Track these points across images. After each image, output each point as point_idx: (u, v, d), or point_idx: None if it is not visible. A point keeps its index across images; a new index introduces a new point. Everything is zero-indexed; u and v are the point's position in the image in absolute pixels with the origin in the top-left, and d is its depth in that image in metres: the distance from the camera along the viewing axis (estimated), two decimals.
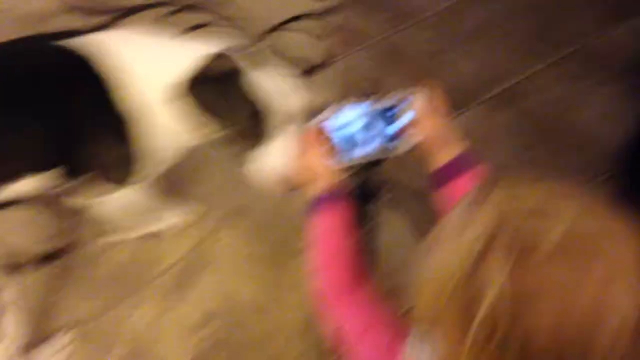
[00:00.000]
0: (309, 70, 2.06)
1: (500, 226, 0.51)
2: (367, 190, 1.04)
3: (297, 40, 2.17)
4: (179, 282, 1.54)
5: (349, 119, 0.91)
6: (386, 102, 0.91)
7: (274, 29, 2.20)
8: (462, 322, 0.51)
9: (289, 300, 1.50)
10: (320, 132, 0.90)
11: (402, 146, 0.93)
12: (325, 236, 0.82)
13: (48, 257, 1.56)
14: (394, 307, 0.76)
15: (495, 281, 0.49)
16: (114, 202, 1.29)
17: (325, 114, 0.91)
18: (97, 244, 1.59)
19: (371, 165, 1.00)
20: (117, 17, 2.16)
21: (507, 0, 2.36)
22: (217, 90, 1.02)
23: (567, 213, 0.52)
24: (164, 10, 2.21)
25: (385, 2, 2.35)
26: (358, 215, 0.86)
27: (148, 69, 1.10)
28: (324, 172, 0.88)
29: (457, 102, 2.01)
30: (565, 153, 1.89)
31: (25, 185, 1.15)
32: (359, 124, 0.91)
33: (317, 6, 2.29)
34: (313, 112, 0.97)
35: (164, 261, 1.58)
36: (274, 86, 1.02)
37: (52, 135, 1.09)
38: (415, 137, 0.91)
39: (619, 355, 0.48)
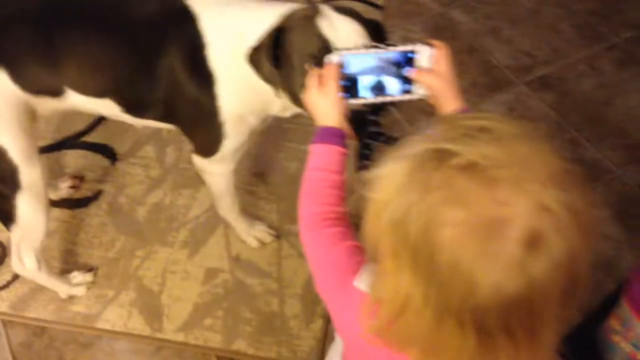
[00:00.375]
0: None
1: (420, 159, 0.59)
2: (369, 133, 1.08)
3: (357, 7, 2.23)
4: (191, 238, 1.66)
5: (367, 59, 0.93)
6: (401, 49, 0.93)
7: None
8: (390, 235, 0.60)
9: (287, 265, 1.60)
10: (339, 67, 0.93)
11: (417, 91, 0.94)
12: (313, 167, 0.88)
13: (91, 198, 1.75)
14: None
15: (411, 199, 0.58)
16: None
17: (344, 51, 0.93)
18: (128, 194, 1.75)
19: (378, 109, 1.03)
20: None
21: None
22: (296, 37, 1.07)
23: (471, 144, 0.57)
24: None
25: None
26: (354, 155, 0.90)
27: (235, 31, 1.17)
28: (336, 106, 0.91)
29: (509, 78, 2.03)
30: (605, 137, 1.87)
31: (105, 107, 1.29)
32: (377, 65, 0.93)
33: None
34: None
35: (188, 213, 1.71)
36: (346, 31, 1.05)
37: (144, 74, 1.21)
38: (428, 85, 0.93)
39: (518, 258, 0.55)
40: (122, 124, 1.85)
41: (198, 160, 1.39)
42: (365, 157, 1.21)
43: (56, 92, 1.25)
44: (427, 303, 0.58)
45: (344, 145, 0.90)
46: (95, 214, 1.71)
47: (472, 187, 0.55)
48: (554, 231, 0.54)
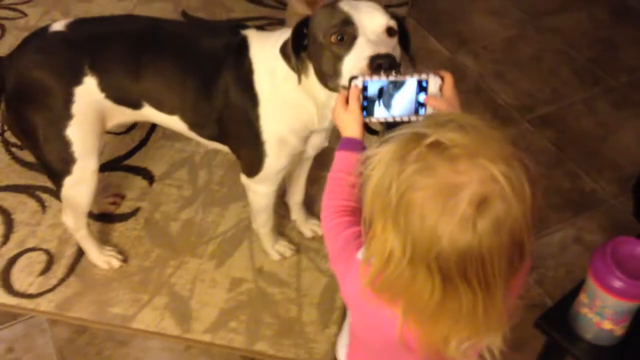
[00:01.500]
0: None
1: (403, 141, 0.78)
2: None
3: None
4: (219, 251, 1.82)
5: (385, 84, 1.07)
6: (415, 77, 1.07)
7: None
8: (379, 202, 0.78)
9: (305, 277, 1.76)
10: (362, 88, 1.08)
11: (426, 113, 1.08)
12: (335, 169, 1.05)
13: (130, 214, 1.93)
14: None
15: (394, 171, 0.76)
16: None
17: (367, 76, 1.08)
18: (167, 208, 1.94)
19: (393, 125, 1.20)
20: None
21: (571, 32, 2.55)
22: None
23: (441, 130, 0.76)
24: (263, 22, 2.59)
25: (457, 28, 2.59)
26: None
27: (272, 56, 1.33)
28: (356, 121, 1.08)
29: (513, 116, 2.21)
30: (601, 170, 2.03)
31: (174, 123, 1.51)
32: (393, 89, 1.07)
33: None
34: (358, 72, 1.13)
35: (217, 228, 1.87)
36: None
37: (205, 96, 1.42)
38: (436, 108, 1.07)
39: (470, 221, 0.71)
40: (159, 149, 2.06)
41: (244, 179, 1.58)
42: None
43: (135, 105, 1.48)
44: (404, 253, 0.76)
45: (359, 152, 1.06)
46: (133, 228, 1.89)
47: (438, 161, 0.74)
48: (498, 197, 0.72)
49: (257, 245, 1.84)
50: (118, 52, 1.42)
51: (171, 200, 1.97)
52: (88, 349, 1.62)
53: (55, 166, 1.52)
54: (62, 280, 1.75)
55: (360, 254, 0.92)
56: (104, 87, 1.43)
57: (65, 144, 1.47)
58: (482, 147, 0.74)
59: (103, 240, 1.83)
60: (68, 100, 1.42)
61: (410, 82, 1.07)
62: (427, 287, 0.76)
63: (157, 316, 1.67)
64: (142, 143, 2.14)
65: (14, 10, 2.70)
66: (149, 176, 2.04)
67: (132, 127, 2.17)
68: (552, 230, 1.86)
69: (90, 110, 1.45)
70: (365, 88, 1.08)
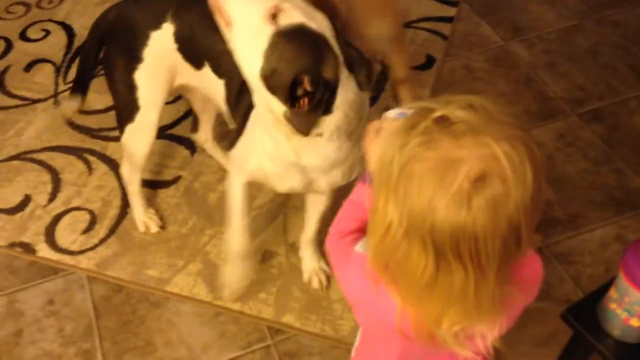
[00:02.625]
0: (427, 64, 2.31)
1: (412, 115, 0.78)
2: None
3: (424, 36, 2.42)
4: (254, 224, 1.77)
5: None
6: None
7: (405, 24, 2.47)
8: (383, 177, 0.78)
9: None
10: (390, 124, 1.04)
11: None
12: (352, 198, 1.05)
13: (171, 182, 1.98)
14: None
15: (399, 142, 0.76)
16: None
17: (395, 110, 1.03)
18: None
19: None
20: None
21: (633, 26, 2.44)
22: None
23: (449, 107, 0.75)
24: None
25: (512, 15, 2.52)
26: None
27: None
28: None
29: (562, 108, 2.15)
30: None
31: (216, 87, 1.49)
32: None
33: (449, 12, 2.53)
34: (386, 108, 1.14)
35: (253, 202, 1.85)
36: None
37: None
38: None
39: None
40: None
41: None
42: None
43: (199, 63, 1.50)
44: (401, 224, 0.76)
45: None
46: (173, 196, 1.94)
47: (442, 135, 0.73)
48: (497, 177, 0.71)
49: (291, 222, 1.86)
50: (200, 8, 1.40)
51: (211, 171, 2.00)
52: (123, 307, 1.68)
53: (120, 110, 1.62)
54: (102, 240, 1.81)
55: (358, 247, 0.93)
56: (179, 37, 1.48)
57: (131, 88, 1.54)
58: (488, 126, 0.74)
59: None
60: (143, 42, 1.49)
61: None
62: (421, 261, 0.76)
63: (191, 281, 1.72)
64: (187, 114, 2.18)
65: None
66: (191, 146, 2.08)
67: (178, 97, 2.21)
68: (593, 227, 1.81)
69: (160, 59, 1.51)
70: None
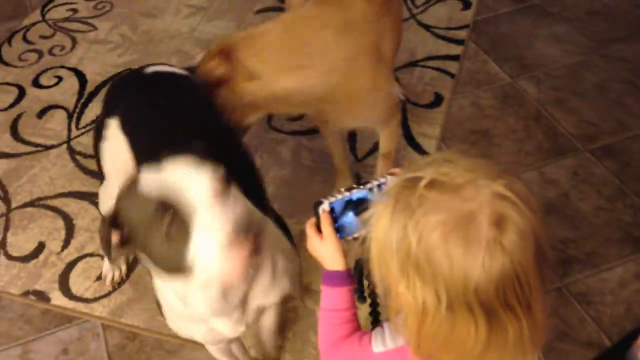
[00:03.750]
0: (436, 102, 2.32)
1: (398, 192, 0.77)
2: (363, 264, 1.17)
3: (431, 75, 2.45)
4: None
5: (348, 199, 1.02)
6: (375, 183, 1.02)
7: (412, 63, 2.49)
8: (395, 261, 0.76)
9: None
10: (330, 214, 1.01)
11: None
12: (327, 308, 1.01)
13: None
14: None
15: (401, 223, 0.74)
16: None
17: (330, 198, 1.02)
18: None
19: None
20: None
21: (636, 62, 2.46)
22: None
23: (430, 168, 0.76)
24: None
25: (518, 52, 2.55)
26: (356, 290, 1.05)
27: None
28: (337, 250, 1.00)
29: (574, 145, 2.15)
30: None
31: None
32: (356, 202, 1.02)
33: (456, 50, 2.55)
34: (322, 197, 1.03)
35: None
36: None
37: None
38: None
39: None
40: None
41: None
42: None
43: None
44: (440, 299, 0.73)
45: (350, 283, 1.02)
46: None
47: (442, 196, 0.74)
48: (512, 210, 0.72)
49: (306, 264, 1.84)
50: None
51: None
52: (138, 356, 1.66)
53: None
54: (116, 287, 1.80)
55: (376, 347, 0.91)
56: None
57: (99, 159, 1.50)
58: (476, 172, 0.75)
59: None
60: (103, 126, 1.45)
61: (371, 189, 1.03)
62: (471, 329, 0.74)
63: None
64: None
65: (85, 23, 2.83)
66: None
67: None
68: (611, 266, 1.79)
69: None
70: (332, 210, 1.02)
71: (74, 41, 2.71)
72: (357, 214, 1.03)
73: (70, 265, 1.86)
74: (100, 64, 2.58)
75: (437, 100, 2.34)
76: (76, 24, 2.82)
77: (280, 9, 2.78)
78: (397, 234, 0.75)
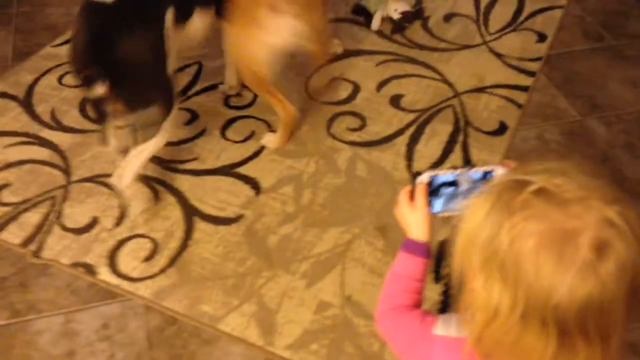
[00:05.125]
0: (500, 130, 2.28)
1: (501, 190, 0.75)
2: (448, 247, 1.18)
3: (498, 103, 2.41)
4: (311, 271, 1.82)
5: (453, 177, 1.06)
6: (482, 169, 1.04)
7: (480, 89, 2.46)
8: (479, 256, 0.74)
9: None
10: (428, 185, 1.05)
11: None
12: (398, 272, 1.02)
13: (233, 219, 1.99)
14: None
15: (496, 221, 0.73)
16: None
17: (433, 171, 1.06)
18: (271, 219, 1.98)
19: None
20: None
21: None
22: None
23: (543, 176, 0.73)
24: (389, 57, 2.62)
25: (591, 91, 2.49)
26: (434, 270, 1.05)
27: None
28: (425, 221, 1.03)
29: (637, 192, 2.07)
30: None
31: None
32: (459, 182, 1.05)
33: (526, 81, 2.51)
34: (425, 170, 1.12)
35: (313, 249, 1.89)
36: None
37: None
38: None
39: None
40: (270, 163, 2.10)
41: None
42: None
43: None
44: (515, 306, 0.72)
45: (428, 257, 1.05)
46: (234, 233, 1.95)
47: (548, 206, 0.71)
48: (618, 239, 0.69)
49: (349, 273, 1.83)
50: None
51: (274, 213, 2.01)
52: (174, 340, 1.67)
53: None
54: (162, 270, 1.83)
55: (438, 330, 0.90)
56: None
57: None
58: (592, 191, 0.72)
59: (207, 242, 1.91)
60: None
61: (476, 174, 1.04)
62: (540, 342, 0.72)
63: (244, 322, 1.70)
64: (256, 154, 2.21)
65: None
66: (256, 186, 2.10)
67: (249, 136, 2.25)
68: None
69: None
70: (430, 183, 1.05)
71: None
72: (450, 198, 1.05)
73: (121, 243, 1.90)
74: None
75: (502, 128, 2.30)
76: None
77: (350, 20, 2.80)
78: (490, 230, 0.74)
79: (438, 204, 1.05)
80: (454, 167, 1.07)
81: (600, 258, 0.69)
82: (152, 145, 1.88)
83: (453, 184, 1.05)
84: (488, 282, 0.74)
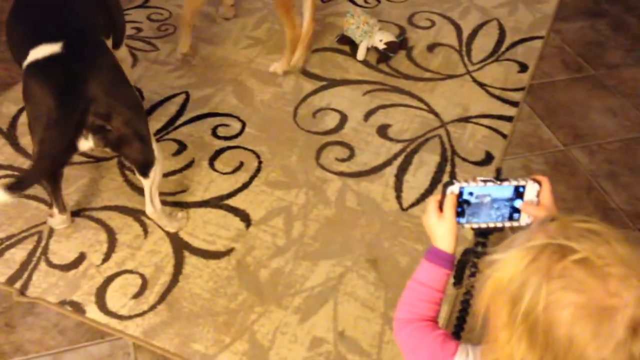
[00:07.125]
0: (486, 160, 2.31)
1: (542, 250, 0.75)
2: (475, 252, 1.19)
3: (483, 133, 2.44)
4: (304, 306, 1.81)
5: (483, 190, 1.05)
6: (513, 183, 1.05)
7: (465, 119, 2.50)
8: (508, 310, 0.75)
9: (387, 349, 1.71)
10: (457, 195, 1.05)
11: (523, 220, 1.06)
12: (420, 280, 1.03)
13: (223, 253, 1.98)
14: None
15: (533, 283, 0.73)
16: None
17: (457, 184, 1.05)
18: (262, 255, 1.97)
19: (487, 233, 1.16)
20: None
21: None
22: None
23: (587, 244, 0.73)
24: (375, 87, 2.64)
25: (573, 121, 2.54)
26: (455, 275, 1.06)
27: None
28: (451, 232, 1.04)
29: (624, 221, 2.11)
30: None
31: None
32: (490, 196, 1.05)
33: (510, 111, 2.55)
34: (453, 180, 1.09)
35: (305, 283, 1.88)
36: None
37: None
38: (534, 215, 1.03)
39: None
40: (259, 194, 2.08)
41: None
42: (465, 274, 1.30)
43: None
44: None
45: (451, 269, 1.05)
46: (225, 268, 1.93)
47: (587, 278, 0.72)
48: None
49: (342, 308, 1.82)
50: None
51: (264, 246, 2.00)
52: None
53: None
54: (152, 307, 1.80)
55: (458, 358, 0.91)
56: None
57: None
58: (633, 268, 0.72)
59: (197, 277, 1.88)
60: None
61: (507, 188, 1.04)
62: None
63: None
64: (245, 185, 2.20)
65: (148, 43, 2.90)
66: (246, 219, 2.09)
67: (238, 167, 2.25)
68: None
69: None
70: (460, 194, 1.05)
71: (135, 59, 2.78)
72: (479, 210, 1.05)
73: (109, 280, 1.87)
74: (158, 84, 2.64)
75: (488, 158, 2.33)
76: (139, 42, 2.90)
77: (336, 50, 2.84)
78: (525, 289, 0.74)
79: (466, 216, 1.06)
80: (484, 180, 1.07)
81: (635, 339, 0.70)
82: (158, 167, 1.89)
83: (482, 195, 1.05)
84: (515, 338, 0.74)
